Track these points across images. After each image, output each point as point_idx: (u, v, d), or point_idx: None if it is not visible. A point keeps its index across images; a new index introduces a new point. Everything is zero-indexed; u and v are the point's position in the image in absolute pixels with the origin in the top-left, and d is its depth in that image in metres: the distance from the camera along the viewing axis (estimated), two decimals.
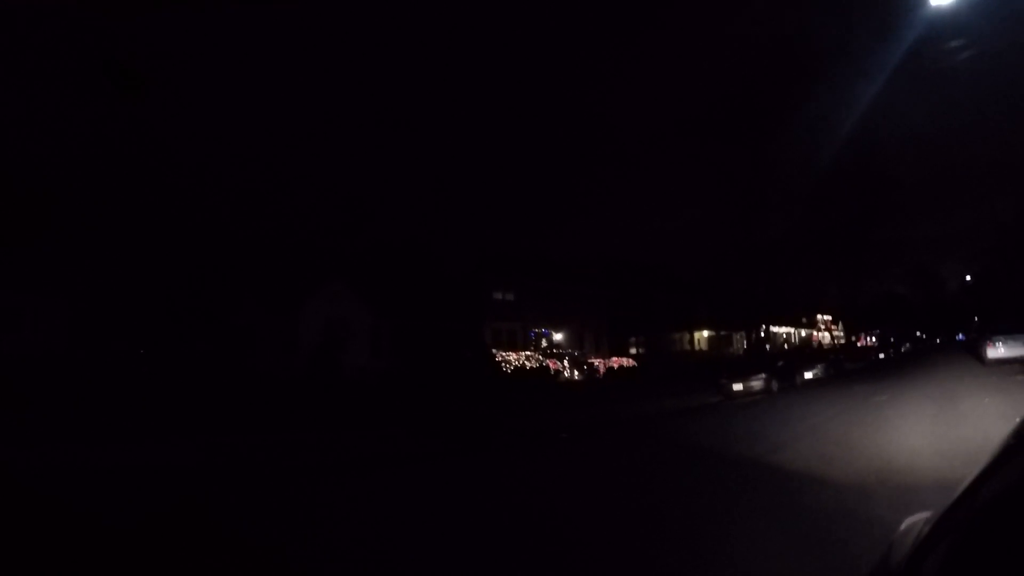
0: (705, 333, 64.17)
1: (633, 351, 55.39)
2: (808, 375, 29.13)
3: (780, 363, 27.08)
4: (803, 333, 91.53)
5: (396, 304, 35.65)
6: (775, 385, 24.06)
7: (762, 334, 61.42)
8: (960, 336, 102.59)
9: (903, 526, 1.80)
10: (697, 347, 61.66)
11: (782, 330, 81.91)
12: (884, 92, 44.91)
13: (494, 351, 38.63)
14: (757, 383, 23.51)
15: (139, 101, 28.74)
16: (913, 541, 1.52)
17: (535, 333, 42.67)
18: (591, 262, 52.33)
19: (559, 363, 39.52)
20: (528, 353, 39.03)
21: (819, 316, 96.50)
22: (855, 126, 45.05)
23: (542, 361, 38.27)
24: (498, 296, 41.12)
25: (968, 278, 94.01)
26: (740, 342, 75.61)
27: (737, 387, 23.54)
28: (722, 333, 66.22)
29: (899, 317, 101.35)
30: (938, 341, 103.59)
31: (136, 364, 28.26)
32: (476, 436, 17.07)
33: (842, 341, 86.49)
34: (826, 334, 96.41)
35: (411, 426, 18.65)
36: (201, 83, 42.90)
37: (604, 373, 42.08)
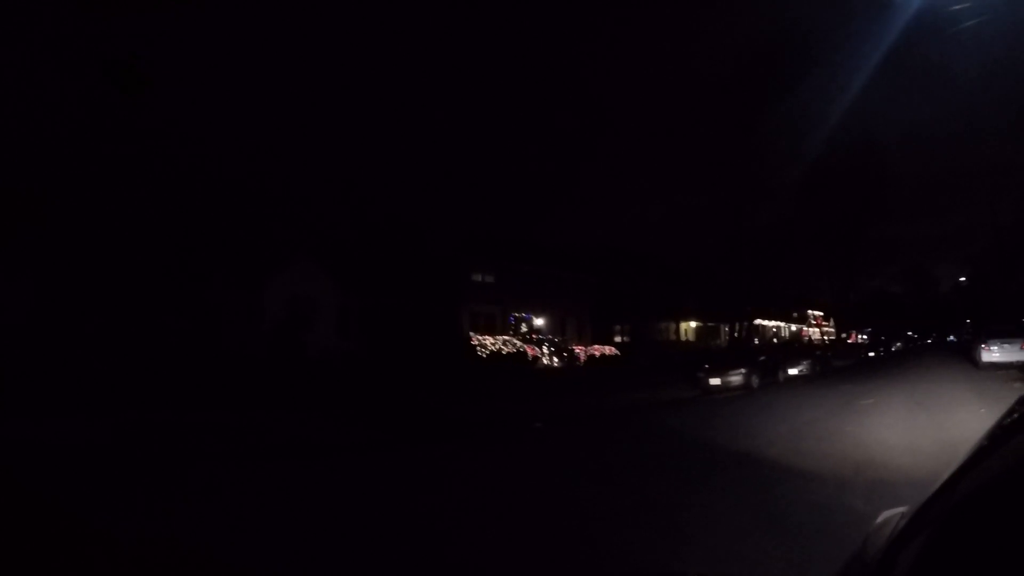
0: (692, 324, 62.63)
1: (618, 339, 53.87)
2: (792, 371, 27.54)
3: (762, 358, 25.38)
4: (793, 328, 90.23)
5: (369, 283, 33.96)
6: (756, 381, 22.46)
7: (746, 327, 60.27)
8: (951, 337, 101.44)
9: (879, 520, 1.74)
10: (684, 338, 60.17)
11: (771, 324, 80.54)
12: (881, 87, 43.36)
13: (472, 335, 37.06)
14: (736, 378, 21.89)
15: (140, 99, 27.59)
16: (889, 535, 1.52)
17: (515, 318, 41.05)
18: (576, 247, 50.55)
19: (537, 349, 37.98)
20: (506, 338, 37.46)
21: (810, 312, 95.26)
22: (851, 120, 43.47)
23: (519, 346, 36.71)
24: (477, 279, 39.43)
25: (962, 279, 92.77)
26: (729, 334, 74.35)
27: (715, 381, 21.94)
28: (709, 324, 64.78)
29: (891, 316, 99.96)
30: (929, 341, 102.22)
31: (96, 340, 26.71)
32: (425, 425, 15.58)
33: (833, 338, 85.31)
34: (816, 330, 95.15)
35: (360, 411, 17.22)
36: (171, 56, 40.90)
37: (585, 361, 40.55)
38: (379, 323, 33.76)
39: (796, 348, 38.64)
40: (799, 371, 27.95)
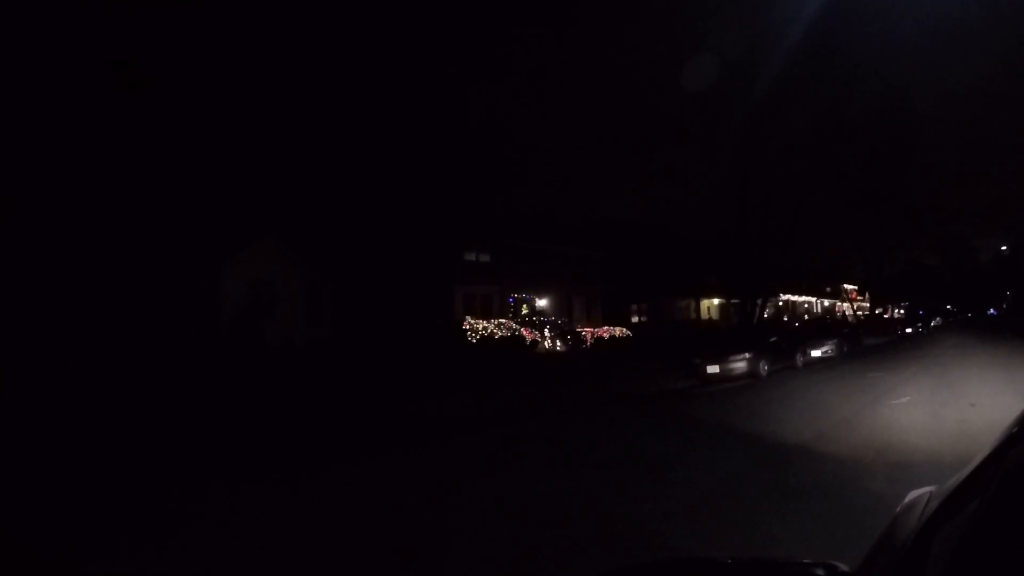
0: (715, 301, 58.30)
1: (635, 319, 49.89)
2: (815, 353, 23.49)
3: (773, 339, 21.13)
4: (825, 303, 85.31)
5: (345, 265, 30.47)
6: (764, 367, 18.45)
7: (761, 304, 55.78)
8: (991, 311, 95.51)
9: (907, 500, 1.65)
10: (707, 316, 55.93)
11: (802, 299, 75.82)
12: (921, 42, 38.52)
13: (467, 318, 33.51)
14: (739, 365, 17.88)
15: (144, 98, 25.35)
16: (920, 516, 1.47)
17: (514, 299, 37.34)
18: (582, 223, 46.38)
19: (537, 332, 34.28)
20: (501, 321, 33.83)
21: (844, 286, 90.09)
22: (886, 76, 38.68)
23: (515, 330, 33.04)
24: (471, 257, 35.75)
25: (1003, 248, 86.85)
26: (758, 310, 69.79)
27: (712, 369, 17.99)
28: (734, 301, 60.47)
29: (928, 289, 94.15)
30: (969, 315, 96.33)
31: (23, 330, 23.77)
32: (321, 428, 12.28)
33: (866, 313, 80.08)
34: (850, 305, 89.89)
35: (265, 409, 13.79)
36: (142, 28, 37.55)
37: (591, 344, 36.77)
38: (356, 308, 30.33)
39: (821, 325, 34.23)
40: (822, 353, 23.91)
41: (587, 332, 37.93)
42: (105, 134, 28.60)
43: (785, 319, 67.14)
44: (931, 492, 1.57)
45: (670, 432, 11.14)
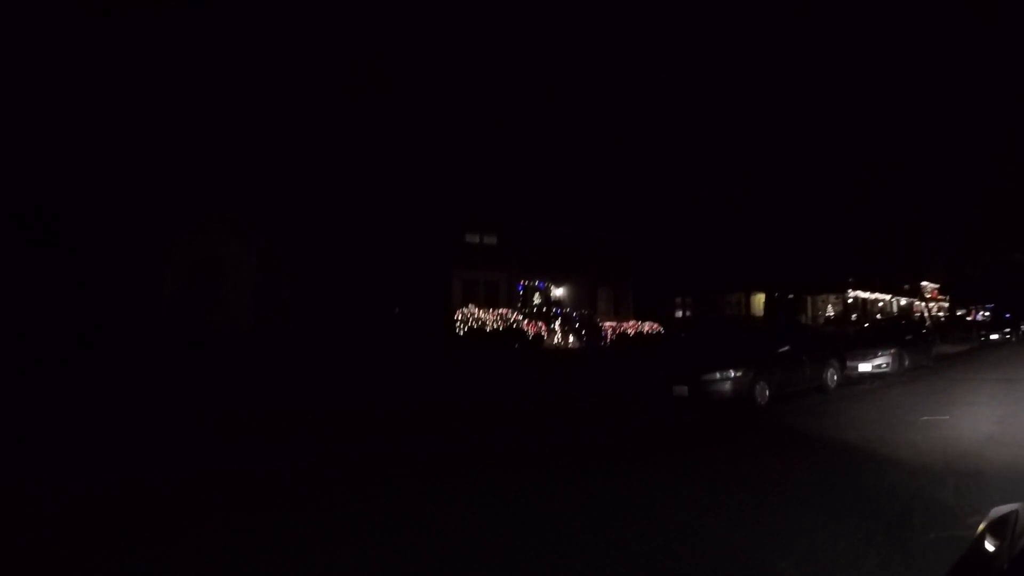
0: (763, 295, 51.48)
1: (680, 314, 43.84)
2: (864, 367, 17.53)
3: (785, 348, 14.36)
4: (902, 302, 76.89)
5: (312, 244, 25.90)
6: (763, 391, 12.74)
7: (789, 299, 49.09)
8: None
9: (991, 516, 1.60)
10: (757, 311, 49.26)
11: (874, 296, 67.83)
12: None
13: (465, 308, 28.52)
14: (721, 387, 12.19)
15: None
16: (1011, 534, 1.41)
17: (523, 286, 32.01)
18: (612, 204, 40.45)
19: (544, 325, 28.95)
20: (502, 311, 28.67)
21: (925, 284, 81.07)
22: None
23: (515, 322, 27.82)
24: (474, 239, 30.67)
25: None
26: (822, 306, 62.30)
27: (680, 391, 12.43)
28: (789, 296, 53.65)
29: (1020, 290, 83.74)
30: None
31: None
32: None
33: (946, 314, 71.01)
34: (931, 305, 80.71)
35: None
36: None
37: (612, 341, 31.25)
38: (322, 293, 25.74)
39: (877, 328, 27.19)
40: (873, 367, 17.81)
41: (608, 327, 32.43)
42: (43, 101, 24.77)
43: (855, 317, 59.77)
44: (1017, 510, 1.53)
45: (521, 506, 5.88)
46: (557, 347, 28.78)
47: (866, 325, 35.31)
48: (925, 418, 10.77)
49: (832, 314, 63.00)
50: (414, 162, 35.61)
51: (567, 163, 55.53)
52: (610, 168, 57.09)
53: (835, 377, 15.20)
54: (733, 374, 12.33)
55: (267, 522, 6.13)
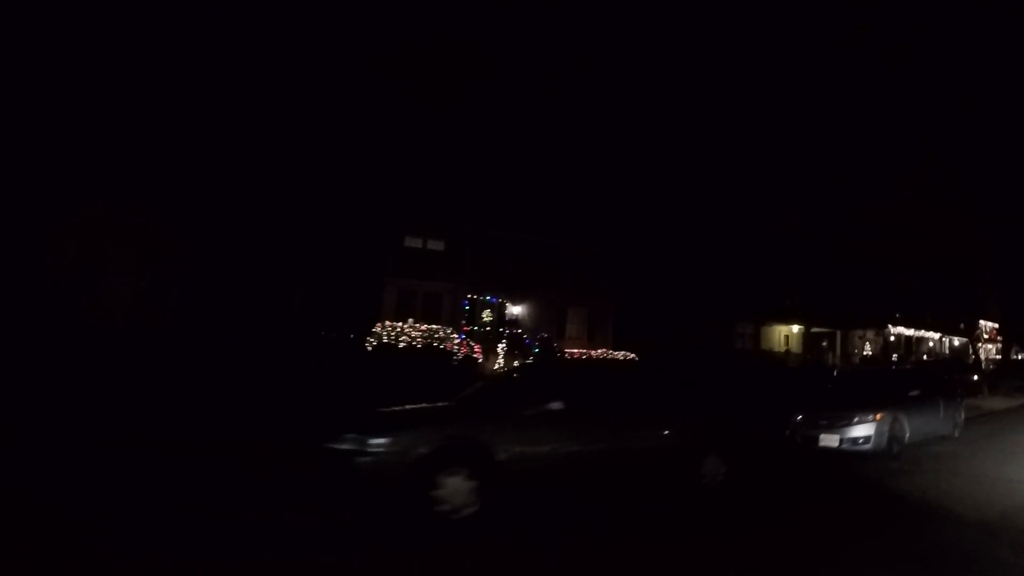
0: (795, 328, 46.14)
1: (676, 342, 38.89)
2: (829, 440, 11.09)
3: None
4: (956, 342, 69.81)
5: (213, 240, 22.62)
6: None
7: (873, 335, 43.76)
8: None
9: None
10: (784, 346, 43.88)
11: (918, 333, 61.29)
12: None
13: (408, 321, 24.80)
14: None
15: None
16: None
17: (469, 301, 27.99)
18: (605, 212, 35.95)
19: (484, 347, 24.95)
20: (433, 327, 24.80)
21: (981, 322, 73.41)
22: None
23: (439, 340, 23.90)
24: (415, 244, 26.89)
25: None
26: (859, 343, 56.11)
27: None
28: (819, 330, 48.19)
29: None
30: None
31: None
32: None
33: (998, 356, 63.40)
34: (990, 346, 72.92)
35: None
36: None
37: None
38: (214, 293, 22.38)
39: (861, 377, 20.00)
40: (845, 440, 11.30)
41: (576, 354, 28.23)
42: None
43: (895, 357, 53.74)
44: None
45: None
46: (494, 373, 24.73)
47: (840, 371, 25.63)
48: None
49: (869, 352, 56.61)
50: (350, 154, 31.96)
51: (552, 164, 50.28)
52: (606, 169, 51.71)
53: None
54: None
55: None
